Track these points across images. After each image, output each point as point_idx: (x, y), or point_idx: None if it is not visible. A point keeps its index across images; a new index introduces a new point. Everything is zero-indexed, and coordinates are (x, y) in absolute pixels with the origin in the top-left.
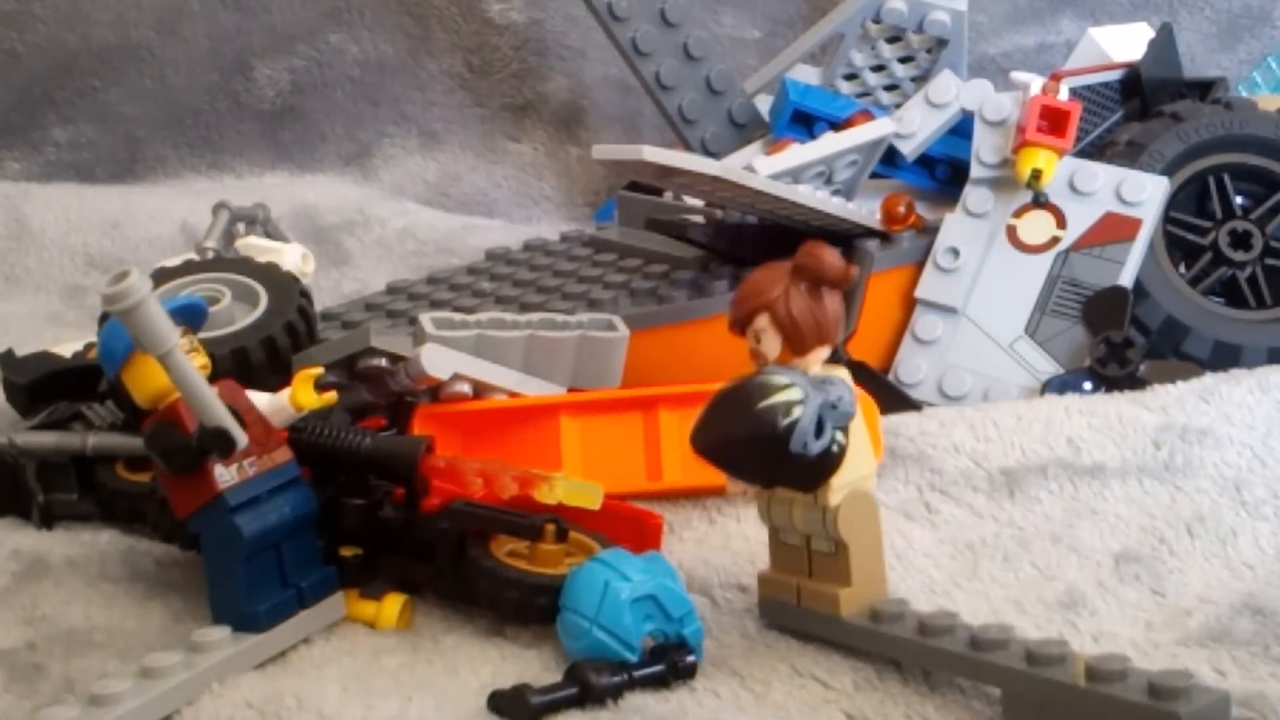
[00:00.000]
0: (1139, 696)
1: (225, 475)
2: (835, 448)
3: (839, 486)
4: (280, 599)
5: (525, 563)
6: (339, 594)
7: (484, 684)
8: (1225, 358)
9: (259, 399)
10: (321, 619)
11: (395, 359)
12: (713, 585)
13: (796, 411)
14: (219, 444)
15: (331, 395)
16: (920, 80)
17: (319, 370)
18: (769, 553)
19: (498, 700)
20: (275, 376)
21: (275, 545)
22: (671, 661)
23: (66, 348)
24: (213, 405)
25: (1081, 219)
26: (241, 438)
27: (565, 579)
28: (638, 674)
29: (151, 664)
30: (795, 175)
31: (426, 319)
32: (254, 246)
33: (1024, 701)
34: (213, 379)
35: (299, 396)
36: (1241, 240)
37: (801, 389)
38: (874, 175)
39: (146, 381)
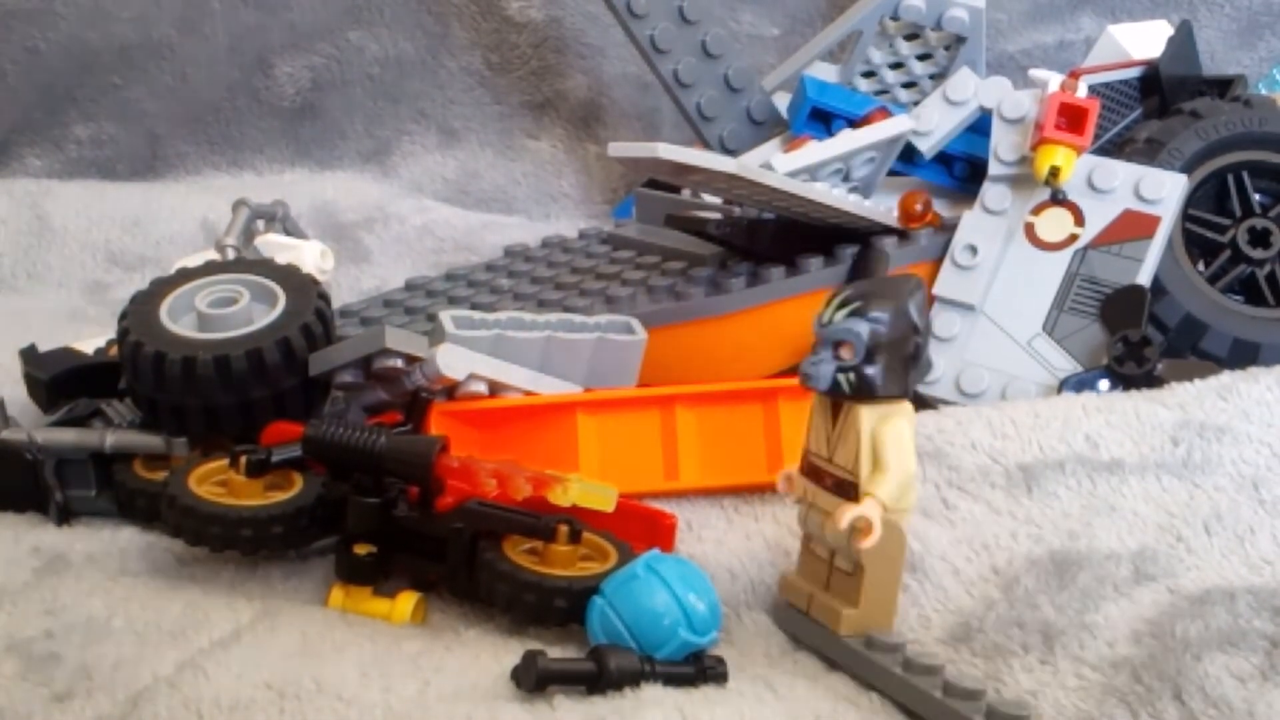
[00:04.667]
0: None
1: None
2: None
3: None
4: None
5: (538, 562)
6: None
7: (505, 670)
8: (1244, 355)
9: None
10: None
11: (411, 359)
12: (738, 602)
13: None
14: None
15: None
16: (938, 78)
17: None
18: (798, 558)
19: (515, 672)
20: (291, 378)
21: None
22: (702, 666)
23: (88, 344)
24: None
25: (1100, 216)
26: None
27: (589, 580)
28: (661, 667)
29: None
30: (813, 172)
31: (446, 317)
32: (273, 244)
33: None
34: (230, 382)
35: None
36: (1260, 238)
37: None
38: (892, 173)
39: None
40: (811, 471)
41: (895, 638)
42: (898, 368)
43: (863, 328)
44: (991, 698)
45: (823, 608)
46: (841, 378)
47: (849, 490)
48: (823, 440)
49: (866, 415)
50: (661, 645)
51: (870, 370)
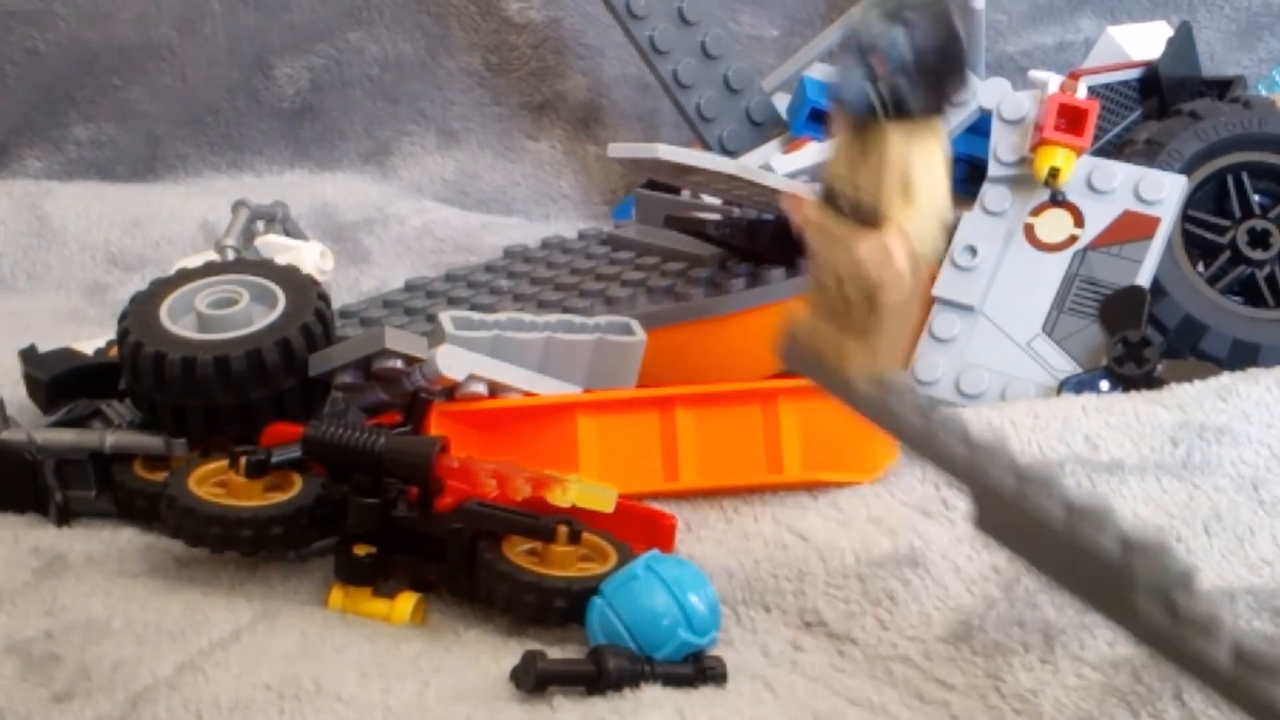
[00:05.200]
0: (1110, 548)
1: None
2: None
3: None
4: None
5: (538, 563)
6: None
7: (504, 671)
8: (1243, 356)
9: None
10: None
11: (410, 360)
12: (736, 601)
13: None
14: None
15: None
16: None
17: None
18: (809, 298)
19: (514, 673)
20: (290, 378)
21: None
22: (701, 666)
23: (88, 345)
24: None
25: (1099, 217)
26: None
27: (589, 581)
28: (660, 668)
29: None
30: (812, 173)
31: (446, 318)
32: (273, 244)
33: (997, 518)
34: (230, 383)
35: None
36: (1260, 239)
37: None
38: None
39: None
40: (828, 195)
41: (903, 380)
42: (934, 81)
43: (899, 34)
44: (1009, 459)
45: (833, 343)
46: (872, 93)
47: (868, 215)
48: (844, 160)
49: (896, 137)
50: (660, 645)
51: (905, 82)
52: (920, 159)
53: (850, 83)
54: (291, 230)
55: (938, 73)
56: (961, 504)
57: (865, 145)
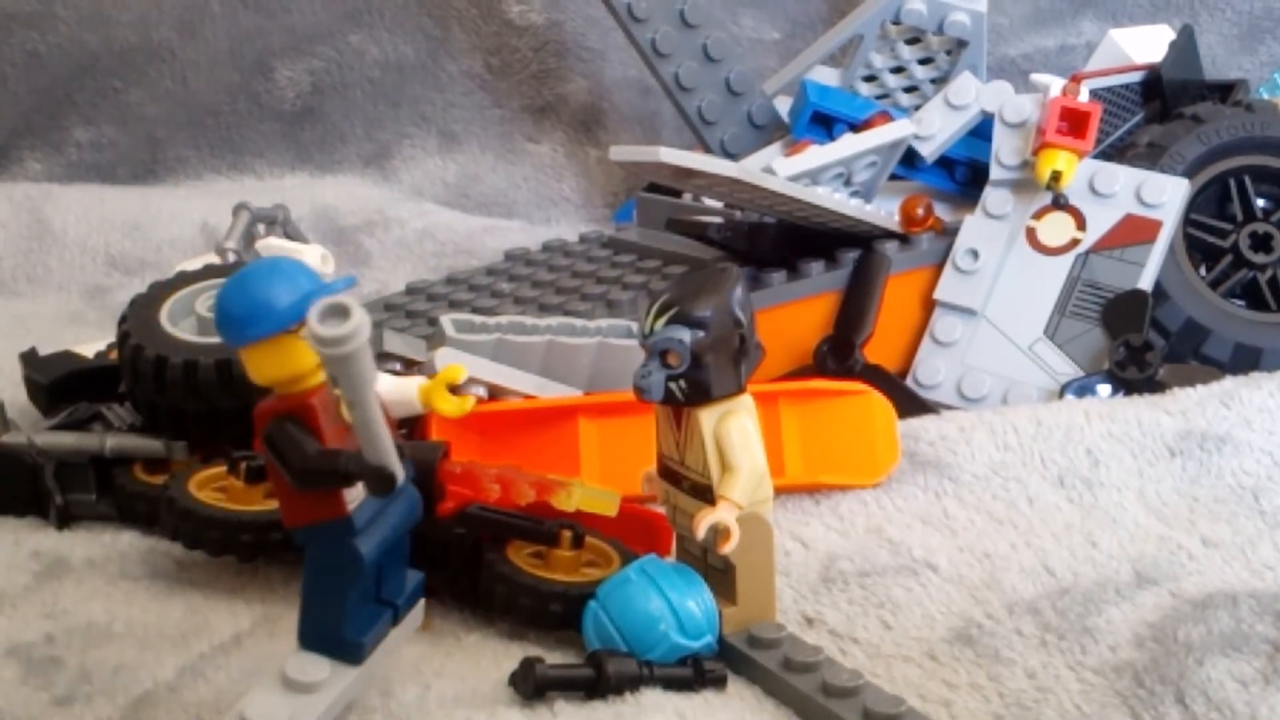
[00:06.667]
0: None
1: (353, 493)
2: None
3: None
4: (380, 623)
5: (541, 567)
6: (421, 601)
7: (505, 676)
8: (1246, 360)
9: (383, 385)
10: (409, 629)
11: (409, 363)
12: None
13: None
14: (379, 486)
15: (469, 401)
16: (940, 82)
17: (459, 373)
18: (675, 557)
19: (512, 677)
20: None
21: (379, 561)
22: (701, 670)
23: (88, 348)
24: (385, 443)
25: (1101, 221)
26: (401, 473)
27: (586, 586)
28: (659, 671)
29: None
30: (814, 177)
31: (447, 321)
32: (274, 247)
33: None
34: (232, 386)
35: (436, 402)
36: (1262, 242)
37: None
38: (893, 177)
39: (284, 362)
40: (668, 474)
41: (776, 631)
42: (727, 364)
43: (684, 334)
44: (868, 695)
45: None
46: (673, 386)
47: (705, 493)
48: (672, 444)
49: (706, 418)
50: (652, 648)
51: (700, 374)
52: (733, 433)
53: (652, 381)
54: (292, 233)
55: (729, 357)
56: (961, 515)
57: (683, 429)
